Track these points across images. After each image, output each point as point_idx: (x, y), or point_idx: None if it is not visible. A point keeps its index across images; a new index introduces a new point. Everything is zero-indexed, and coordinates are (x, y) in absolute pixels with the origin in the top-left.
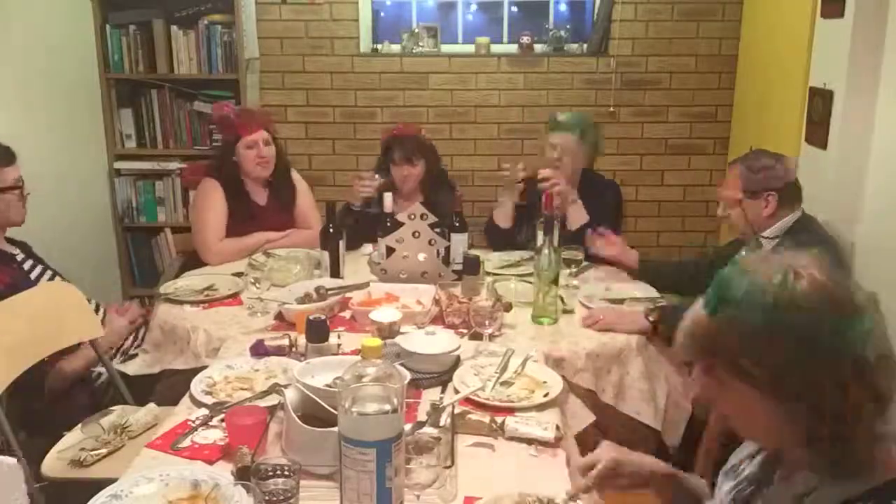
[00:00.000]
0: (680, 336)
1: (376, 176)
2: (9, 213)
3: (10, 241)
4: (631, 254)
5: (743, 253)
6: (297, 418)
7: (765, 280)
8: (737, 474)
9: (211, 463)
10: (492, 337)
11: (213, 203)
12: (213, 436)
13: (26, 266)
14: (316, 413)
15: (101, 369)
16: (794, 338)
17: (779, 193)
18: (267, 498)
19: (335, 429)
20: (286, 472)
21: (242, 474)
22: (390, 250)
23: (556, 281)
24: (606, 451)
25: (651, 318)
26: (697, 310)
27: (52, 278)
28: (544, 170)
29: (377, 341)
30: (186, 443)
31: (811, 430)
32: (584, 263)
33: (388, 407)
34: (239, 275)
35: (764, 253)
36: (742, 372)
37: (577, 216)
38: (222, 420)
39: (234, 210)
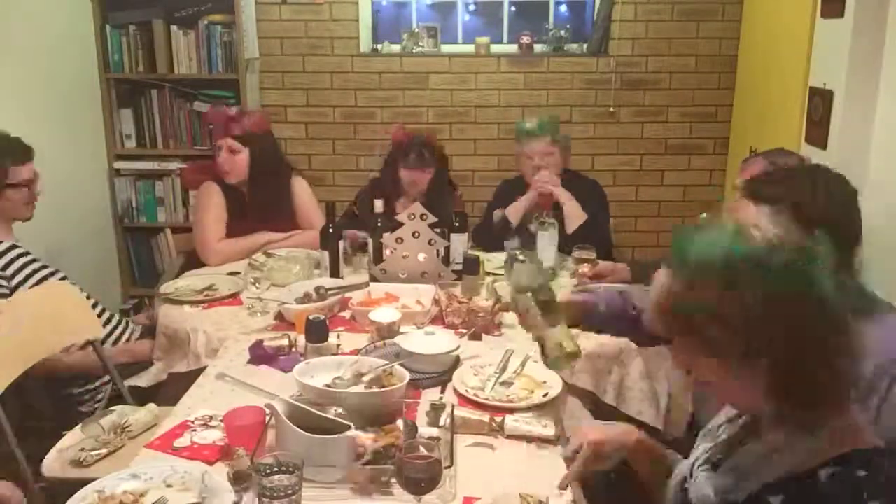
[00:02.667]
0: (650, 310)
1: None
2: (15, 209)
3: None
4: (621, 271)
5: (703, 215)
6: (296, 427)
7: (717, 236)
8: (715, 436)
9: (210, 463)
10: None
11: (210, 204)
12: (213, 436)
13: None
14: (307, 423)
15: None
16: (754, 293)
17: None
18: (270, 494)
19: (338, 435)
20: (289, 469)
21: (238, 478)
22: (378, 252)
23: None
24: (587, 434)
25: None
26: (661, 279)
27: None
28: (542, 172)
29: None
30: (186, 443)
31: (780, 381)
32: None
33: None
34: (235, 274)
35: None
36: (705, 342)
37: (576, 216)
38: (222, 421)
39: (231, 209)
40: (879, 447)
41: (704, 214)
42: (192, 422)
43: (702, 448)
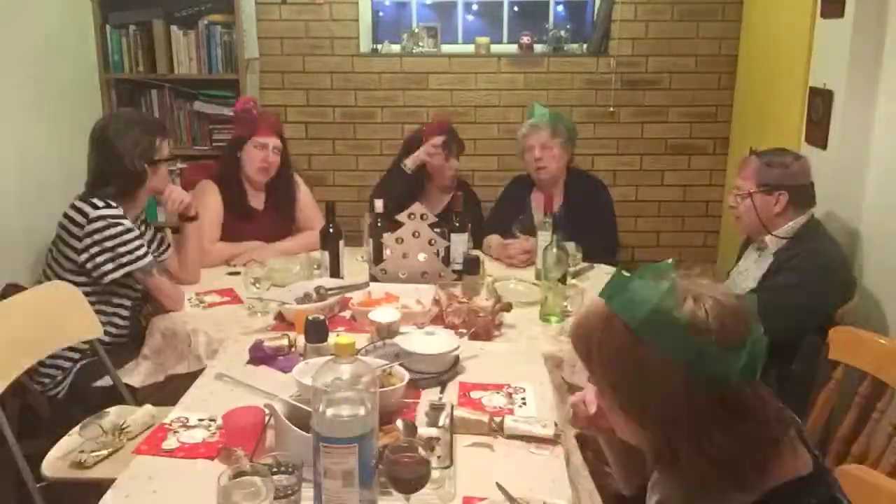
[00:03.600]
0: (572, 328)
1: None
2: (162, 183)
3: None
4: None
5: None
6: (296, 428)
7: (650, 290)
8: (662, 488)
9: (211, 459)
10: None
11: (207, 205)
12: (200, 435)
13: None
14: (307, 423)
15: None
16: (650, 360)
17: (790, 193)
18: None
19: None
20: (289, 469)
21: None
22: (379, 252)
23: (563, 279)
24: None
25: None
26: (591, 303)
27: None
28: (520, 255)
29: (350, 338)
30: (174, 444)
31: (668, 450)
32: (583, 265)
33: (362, 411)
34: (235, 274)
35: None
36: (598, 378)
37: None
38: (201, 420)
39: (231, 212)
40: (803, 475)
41: (671, 261)
42: (170, 424)
43: (653, 501)
